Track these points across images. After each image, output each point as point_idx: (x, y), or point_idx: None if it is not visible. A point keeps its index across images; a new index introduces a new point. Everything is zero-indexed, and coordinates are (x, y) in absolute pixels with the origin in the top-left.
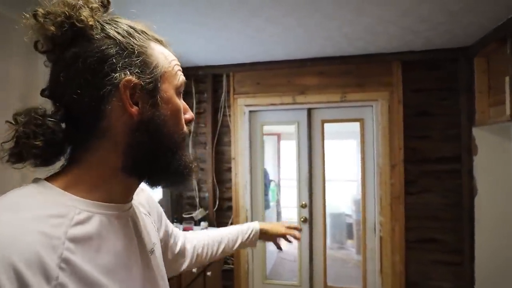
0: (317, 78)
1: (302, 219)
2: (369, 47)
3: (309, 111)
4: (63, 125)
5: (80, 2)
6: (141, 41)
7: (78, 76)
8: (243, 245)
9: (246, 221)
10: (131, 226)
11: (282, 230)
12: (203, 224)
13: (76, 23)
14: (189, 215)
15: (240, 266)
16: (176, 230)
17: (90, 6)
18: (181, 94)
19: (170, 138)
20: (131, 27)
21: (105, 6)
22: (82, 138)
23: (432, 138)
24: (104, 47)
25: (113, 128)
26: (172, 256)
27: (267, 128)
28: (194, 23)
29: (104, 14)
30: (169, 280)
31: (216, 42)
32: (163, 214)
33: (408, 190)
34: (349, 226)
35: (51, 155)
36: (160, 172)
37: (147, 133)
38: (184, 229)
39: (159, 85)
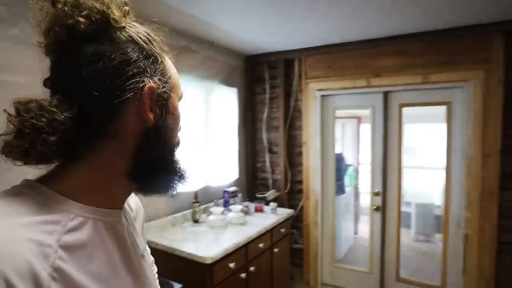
0: (395, 58)
1: (374, 207)
2: (459, 19)
3: (385, 94)
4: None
5: (110, 2)
6: (159, 49)
7: (102, 75)
8: None
9: (316, 205)
10: (124, 232)
11: None
12: (272, 204)
13: (111, 22)
14: (262, 195)
15: (309, 247)
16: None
17: (122, 8)
18: None
19: (172, 144)
20: (149, 35)
21: (126, 12)
22: (89, 136)
23: None
24: (129, 50)
25: (125, 130)
26: None
27: (346, 111)
28: (259, 14)
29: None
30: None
31: (286, 28)
32: (143, 221)
33: (505, 185)
34: (438, 218)
35: (57, 153)
36: (159, 177)
37: (157, 139)
38: (256, 208)
39: (171, 95)
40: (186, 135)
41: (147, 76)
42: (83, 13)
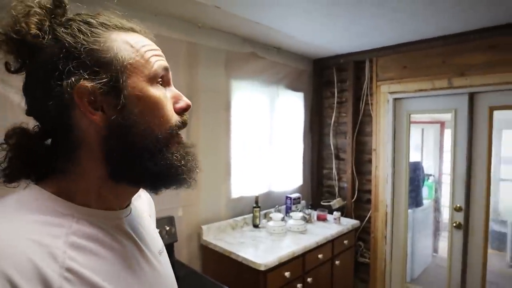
0: (485, 54)
1: (454, 224)
2: None
3: (471, 95)
4: (47, 142)
5: (24, 11)
6: (96, 35)
7: (36, 90)
8: None
9: (386, 217)
10: (131, 231)
11: None
12: (336, 214)
13: (17, 37)
14: (327, 203)
15: (376, 262)
16: None
17: (36, 11)
18: (166, 81)
19: (147, 137)
20: (86, 22)
21: (59, 6)
22: (63, 150)
23: None
24: (53, 53)
25: (86, 137)
26: None
27: (428, 115)
28: (325, 14)
29: (61, 16)
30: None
31: (355, 27)
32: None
33: None
34: None
35: (41, 171)
36: (150, 173)
37: (119, 138)
38: (318, 217)
39: (122, 81)
40: (251, 140)
41: (73, 75)
42: (3, 39)
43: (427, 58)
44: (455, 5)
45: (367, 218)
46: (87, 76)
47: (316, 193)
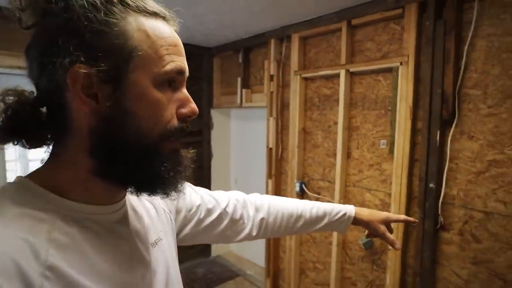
0: None
1: None
2: None
3: None
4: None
5: None
6: (110, 15)
7: (34, 59)
8: (330, 227)
9: None
10: (122, 227)
11: (380, 229)
12: None
13: None
14: None
15: None
16: (216, 199)
17: None
18: (178, 84)
19: (136, 140)
20: None
21: None
22: (55, 131)
23: None
24: (58, 24)
25: (76, 122)
26: (209, 226)
27: None
28: None
29: None
30: None
31: None
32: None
33: None
34: None
35: (35, 141)
36: (137, 178)
37: (107, 133)
38: None
39: (125, 73)
40: None
41: (73, 54)
42: None
43: None
44: None
45: None
46: (84, 60)
47: None
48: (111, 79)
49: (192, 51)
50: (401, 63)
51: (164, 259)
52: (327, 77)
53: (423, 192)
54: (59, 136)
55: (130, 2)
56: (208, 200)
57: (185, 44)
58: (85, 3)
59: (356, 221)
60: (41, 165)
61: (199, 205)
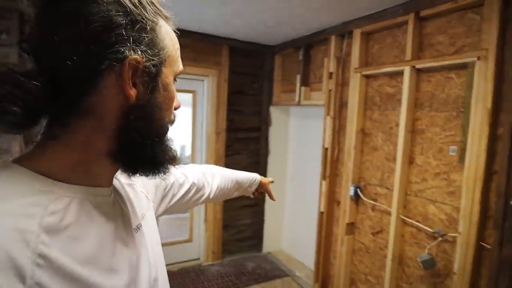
0: None
1: None
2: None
3: None
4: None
5: None
6: (152, 15)
7: (77, 40)
8: (246, 191)
9: None
10: (113, 208)
11: (266, 184)
12: None
13: None
14: None
15: None
16: (184, 174)
17: None
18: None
19: (160, 125)
20: None
21: None
22: (62, 112)
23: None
24: (112, 13)
25: (103, 106)
26: (180, 199)
27: None
28: None
29: None
30: None
31: None
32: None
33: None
34: None
35: (26, 123)
36: (145, 160)
37: (140, 119)
38: None
39: (162, 69)
40: None
41: (131, 45)
42: None
43: None
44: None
45: None
46: (143, 52)
47: None
48: (153, 73)
49: (255, 49)
50: (478, 58)
51: (147, 243)
52: (391, 75)
53: (502, 211)
54: (65, 118)
55: (156, 4)
56: (179, 176)
57: (248, 43)
58: (137, 1)
59: (260, 184)
60: (34, 147)
61: (173, 182)
